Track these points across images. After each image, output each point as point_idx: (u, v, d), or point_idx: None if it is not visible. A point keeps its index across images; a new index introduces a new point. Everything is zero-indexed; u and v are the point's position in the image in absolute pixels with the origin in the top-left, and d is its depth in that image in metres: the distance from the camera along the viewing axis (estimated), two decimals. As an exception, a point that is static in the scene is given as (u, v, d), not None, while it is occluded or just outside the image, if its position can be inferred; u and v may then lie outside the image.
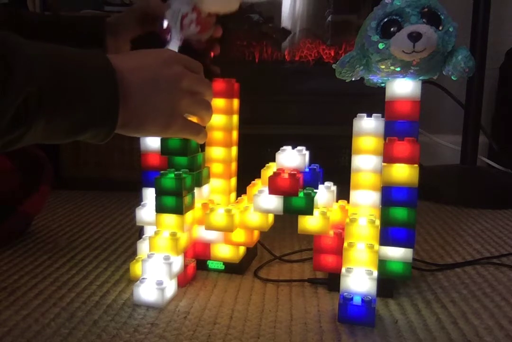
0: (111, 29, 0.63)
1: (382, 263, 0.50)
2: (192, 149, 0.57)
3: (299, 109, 1.04)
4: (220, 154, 0.61)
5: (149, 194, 0.59)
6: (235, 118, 0.62)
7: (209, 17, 0.57)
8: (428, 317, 0.49)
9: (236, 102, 0.62)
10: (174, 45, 0.56)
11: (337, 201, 0.57)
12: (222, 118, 0.60)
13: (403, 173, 0.48)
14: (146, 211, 0.57)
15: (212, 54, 0.63)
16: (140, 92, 0.44)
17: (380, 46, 0.45)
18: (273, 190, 0.51)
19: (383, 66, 0.46)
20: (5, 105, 0.36)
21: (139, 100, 0.44)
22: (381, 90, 0.51)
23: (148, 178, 0.58)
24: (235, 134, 0.63)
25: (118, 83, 0.41)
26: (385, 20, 0.45)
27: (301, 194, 0.51)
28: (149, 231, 0.59)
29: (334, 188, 0.56)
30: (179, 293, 0.54)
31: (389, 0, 0.45)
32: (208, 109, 0.52)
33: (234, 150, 0.63)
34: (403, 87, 0.48)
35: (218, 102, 0.60)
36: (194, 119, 0.51)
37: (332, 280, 0.54)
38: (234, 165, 0.64)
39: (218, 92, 0.59)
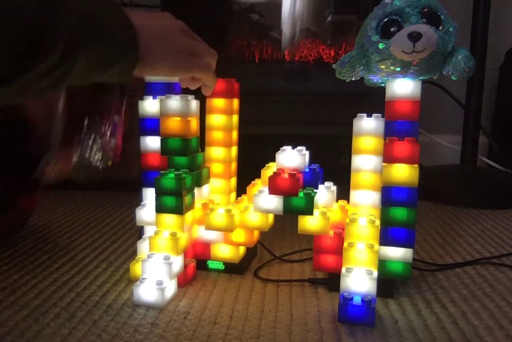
0: None
1: (382, 263, 0.50)
2: (192, 149, 0.57)
3: (299, 109, 1.04)
4: (220, 154, 0.61)
5: (149, 194, 0.59)
6: (235, 118, 0.62)
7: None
8: (428, 317, 0.49)
9: (236, 102, 0.62)
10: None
11: (337, 201, 0.57)
12: (222, 118, 0.60)
13: (403, 173, 0.48)
14: (146, 211, 0.57)
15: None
16: (151, 34, 0.48)
17: (380, 46, 0.45)
18: (273, 190, 0.51)
19: (383, 66, 0.46)
20: (57, 38, 0.38)
21: (150, 40, 0.48)
22: (381, 90, 0.51)
23: (148, 178, 0.58)
24: (235, 134, 0.63)
25: (132, 24, 0.46)
26: (385, 20, 0.45)
27: (301, 194, 0.51)
28: (149, 231, 0.59)
29: (334, 188, 0.56)
30: (179, 293, 0.54)
31: (389, 0, 0.45)
32: (211, 71, 0.54)
33: (234, 150, 0.63)
34: (403, 87, 0.48)
35: (218, 102, 0.60)
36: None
37: (332, 280, 0.54)
38: (234, 165, 0.64)
39: (218, 92, 0.59)
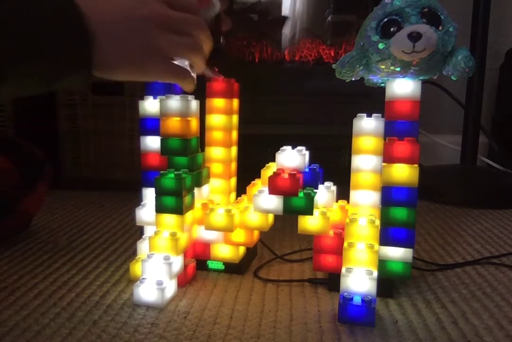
0: None
1: (382, 263, 0.50)
2: (192, 149, 0.57)
3: (299, 109, 1.04)
4: (220, 155, 0.61)
5: (149, 194, 0.59)
6: (235, 118, 0.62)
7: None
8: (428, 317, 0.49)
9: (235, 102, 0.62)
10: None
11: (337, 201, 0.57)
12: (221, 118, 0.60)
13: (403, 173, 0.48)
14: (146, 211, 0.57)
15: (222, 31, 0.58)
16: (112, 32, 0.41)
17: (380, 46, 0.45)
18: (273, 190, 0.51)
19: (383, 66, 0.46)
20: None
21: (110, 41, 0.41)
22: (381, 90, 0.51)
23: (148, 178, 0.58)
24: (235, 134, 0.63)
25: (85, 25, 0.39)
26: (385, 20, 0.45)
27: (301, 194, 0.51)
28: (149, 231, 0.59)
29: (334, 188, 0.56)
30: (179, 293, 0.54)
31: (389, 0, 0.45)
32: (197, 51, 0.48)
33: (234, 150, 0.63)
34: (403, 87, 0.48)
35: (218, 102, 0.60)
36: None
37: (332, 280, 0.54)
38: (234, 166, 0.64)
39: (217, 92, 0.59)
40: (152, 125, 0.58)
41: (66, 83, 0.41)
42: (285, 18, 1.09)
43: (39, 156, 0.74)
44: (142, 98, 0.58)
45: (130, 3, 0.43)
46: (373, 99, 0.58)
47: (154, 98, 0.58)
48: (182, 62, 0.52)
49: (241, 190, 0.63)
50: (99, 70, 0.42)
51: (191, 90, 0.51)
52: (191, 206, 0.56)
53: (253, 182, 0.61)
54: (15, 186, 0.69)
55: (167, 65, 0.46)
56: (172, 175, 0.53)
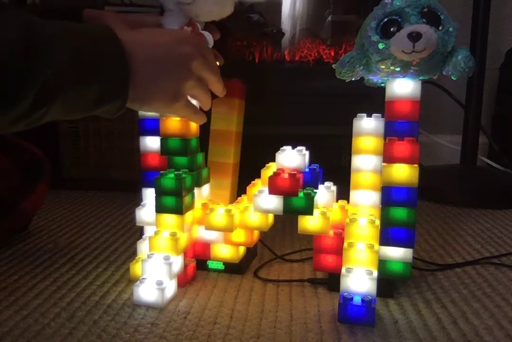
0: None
1: (382, 263, 0.50)
2: (192, 149, 0.57)
3: (299, 109, 1.04)
4: (221, 154, 0.61)
5: (149, 194, 0.59)
6: (236, 118, 0.62)
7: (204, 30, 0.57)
8: (428, 317, 0.49)
9: (237, 102, 0.62)
10: None
11: (337, 201, 0.57)
12: (222, 118, 0.60)
13: (403, 173, 0.48)
14: (146, 211, 0.57)
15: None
16: (150, 69, 0.45)
17: (380, 46, 0.45)
18: (273, 190, 0.51)
19: (383, 66, 0.46)
20: (28, 88, 0.37)
21: (148, 77, 0.45)
22: (381, 90, 0.51)
23: (148, 178, 0.58)
24: (235, 134, 0.63)
25: (128, 60, 0.42)
26: (385, 20, 0.45)
27: (301, 194, 0.51)
28: (149, 231, 0.59)
29: (334, 188, 0.56)
30: (179, 293, 0.54)
31: (389, 0, 0.45)
32: (208, 95, 0.52)
33: (234, 150, 0.63)
34: (403, 87, 0.48)
35: (218, 102, 0.60)
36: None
37: (332, 280, 0.54)
38: (233, 166, 0.63)
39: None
40: (151, 126, 0.58)
41: (103, 110, 0.44)
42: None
43: (39, 156, 0.74)
44: None
45: (170, 42, 0.47)
46: (373, 99, 0.58)
47: None
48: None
49: (241, 190, 0.63)
50: (133, 101, 0.46)
51: (201, 123, 0.55)
52: (191, 206, 0.56)
53: (253, 182, 0.61)
54: (15, 186, 0.69)
55: (188, 103, 0.51)
56: (172, 175, 0.53)
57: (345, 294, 0.47)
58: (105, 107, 0.43)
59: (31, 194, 0.71)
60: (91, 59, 0.40)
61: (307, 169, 0.53)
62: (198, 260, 0.60)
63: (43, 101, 0.38)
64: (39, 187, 0.72)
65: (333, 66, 0.48)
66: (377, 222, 0.50)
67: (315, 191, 0.52)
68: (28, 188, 0.71)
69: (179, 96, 0.49)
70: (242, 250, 0.60)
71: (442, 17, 0.44)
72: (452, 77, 0.45)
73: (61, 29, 0.39)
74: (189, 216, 0.55)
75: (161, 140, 0.56)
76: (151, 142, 0.58)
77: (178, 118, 0.55)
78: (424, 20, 0.44)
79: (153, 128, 0.58)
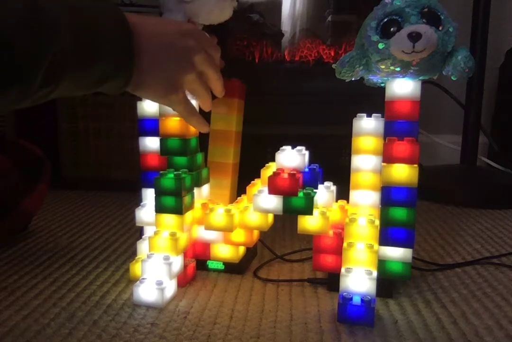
0: None
1: (382, 263, 0.50)
2: (192, 149, 0.57)
3: (299, 109, 1.04)
4: (221, 154, 0.61)
5: (149, 194, 0.59)
6: (235, 118, 0.62)
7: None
8: (428, 317, 0.49)
9: (236, 102, 0.62)
10: None
11: (336, 201, 0.57)
12: (222, 118, 0.60)
13: (403, 173, 0.48)
14: (146, 211, 0.57)
15: None
16: (152, 56, 0.45)
17: (380, 46, 0.45)
18: (272, 190, 0.51)
19: (383, 66, 0.46)
20: (37, 67, 0.37)
21: (149, 63, 0.45)
22: (381, 90, 0.51)
23: (147, 179, 0.58)
24: (235, 134, 0.63)
25: (134, 41, 0.43)
26: (385, 20, 0.45)
27: (300, 194, 0.51)
28: (149, 231, 0.59)
29: (333, 188, 0.56)
30: (179, 293, 0.54)
31: (389, 0, 0.45)
32: (207, 92, 0.53)
33: (234, 150, 0.63)
34: (403, 87, 0.48)
35: (218, 102, 0.60)
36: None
37: (332, 280, 0.54)
38: (233, 166, 0.63)
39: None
40: (150, 126, 0.58)
41: (106, 87, 0.44)
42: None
43: (39, 156, 0.74)
44: (140, 99, 0.58)
45: (175, 33, 0.48)
46: (373, 99, 0.58)
47: None
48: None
49: (241, 190, 0.63)
50: (134, 83, 0.46)
51: (206, 131, 0.56)
52: (190, 206, 0.56)
53: (252, 181, 0.61)
54: (15, 186, 0.69)
55: (186, 99, 0.51)
56: (171, 175, 0.53)
57: (345, 294, 0.47)
58: (108, 84, 0.44)
59: (31, 193, 0.71)
60: (99, 38, 0.41)
61: (307, 169, 0.53)
62: (198, 260, 0.60)
63: (51, 79, 0.39)
64: (39, 187, 0.72)
65: (333, 66, 0.48)
66: (377, 222, 0.50)
67: (314, 190, 0.52)
68: (28, 188, 0.71)
69: (177, 87, 0.49)
70: (242, 250, 0.60)
71: (442, 17, 0.44)
72: (452, 77, 0.45)
73: (68, 6, 0.39)
74: (188, 216, 0.55)
75: (161, 140, 0.56)
76: (150, 143, 0.58)
77: (178, 118, 0.55)
78: (424, 20, 0.44)
79: (152, 128, 0.58)
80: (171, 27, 0.48)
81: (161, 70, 0.47)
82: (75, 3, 0.41)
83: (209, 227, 0.56)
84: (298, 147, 0.53)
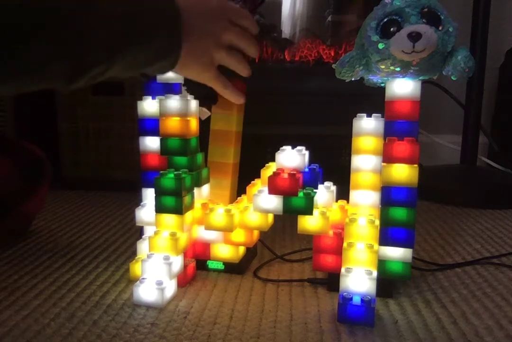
0: None
1: (382, 263, 0.50)
2: (192, 149, 0.57)
3: (299, 109, 1.04)
4: (221, 154, 0.61)
5: (149, 194, 0.59)
6: (236, 118, 0.62)
7: None
8: (428, 317, 0.49)
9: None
10: None
11: (336, 201, 0.57)
12: (222, 118, 0.60)
13: (403, 173, 0.48)
14: (146, 211, 0.57)
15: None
16: (194, 35, 0.49)
17: (380, 46, 0.45)
18: (272, 190, 0.51)
19: (383, 66, 0.46)
20: (98, 41, 0.40)
21: (192, 42, 0.49)
22: (381, 90, 0.51)
23: (147, 178, 0.58)
24: (235, 134, 0.63)
25: (183, 23, 0.47)
26: (385, 20, 0.45)
27: (300, 194, 0.51)
28: (149, 231, 0.59)
29: (333, 188, 0.56)
30: (179, 293, 0.54)
31: (389, 0, 0.45)
32: (240, 63, 0.56)
33: (234, 150, 0.63)
34: (403, 87, 0.48)
35: (218, 102, 0.60)
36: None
37: (332, 280, 0.54)
38: (233, 166, 0.63)
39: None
40: (151, 126, 0.58)
41: (156, 67, 0.48)
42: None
43: (40, 157, 0.74)
44: (141, 99, 0.58)
45: (214, 8, 0.52)
46: (373, 99, 0.58)
47: (153, 98, 0.58)
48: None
49: (241, 190, 0.63)
50: (180, 62, 0.49)
51: (242, 102, 0.59)
52: (190, 206, 0.56)
53: (252, 181, 0.61)
54: (15, 188, 0.69)
55: (219, 76, 0.55)
56: (171, 175, 0.53)
57: (345, 294, 0.47)
58: (159, 63, 0.47)
59: (32, 196, 0.71)
60: (154, 17, 0.44)
61: (307, 169, 0.53)
62: (198, 260, 0.60)
63: (110, 55, 0.42)
64: (40, 189, 0.72)
65: (333, 66, 0.48)
66: (377, 222, 0.50)
67: (314, 190, 0.52)
68: (29, 190, 0.71)
69: (211, 65, 0.53)
70: (242, 250, 0.60)
71: (442, 17, 0.44)
72: (452, 77, 0.45)
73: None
74: (189, 216, 0.55)
75: (161, 140, 0.56)
76: (150, 143, 0.58)
77: (178, 118, 0.55)
78: (424, 20, 0.44)
79: (152, 128, 0.58)
80: (208, 6, 0.51)
81: (200, 49, 0.50)
82: None
83: (209, 227, 0.56)
84: (298, 147, 0.53)
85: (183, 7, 0.47)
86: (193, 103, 0.57)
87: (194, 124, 0.57)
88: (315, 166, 0.54)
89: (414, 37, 0.42)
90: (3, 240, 0.69)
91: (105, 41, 0.41)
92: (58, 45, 0.39)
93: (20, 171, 0.70)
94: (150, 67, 0.47)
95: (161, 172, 0.54)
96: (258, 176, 0.59)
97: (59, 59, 0.39)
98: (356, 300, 0.47)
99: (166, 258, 0.52)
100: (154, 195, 0.54)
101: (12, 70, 0.38)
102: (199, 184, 0.58)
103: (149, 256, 0.52)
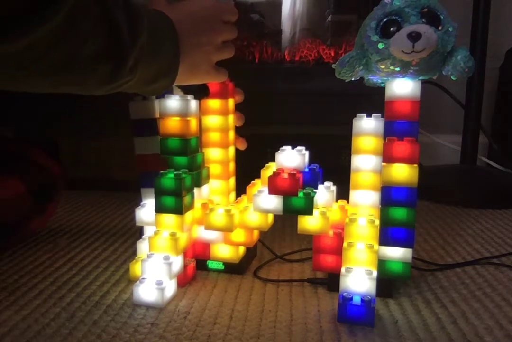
0: None
1: (382, 263, 0.50)
2: (192, 149, 0.57)
3: (299, 109, 1.04)
4: (218, 155, 0.62)
5: (149, 194, 0.59)
6: (231, 118, 0.62)
7: None
8: (428, 317, 0.49)
9: (231, 102, 0.62)
10: None
11: (336, 201, 0.57)
12: (218, 119, 0.60)
13: (403, 172, 0.48)
14: (146, 211, 0.57)
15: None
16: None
17: (380, 46, 0.45)
18: (272, 190, 0.51)
19: (382, 66, 0.46)
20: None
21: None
22: (381, 90, 0.51)
23: (146, 179, 0.58)
24: (231, 135, 0.63)
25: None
26: (385, 20, 0.45)
27: (300, 194, 0.51)
28: (149, 231, 0.59)
29: (333, 188, 0.56)
30: (179, 293, 0.54)
31: (389, 0, 0.45)
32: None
33: (231, 150, 0.63)
34: (403, 87, 0.48)
35: (213, 103, 0.60)
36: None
37: (332, 280, 0.54)
38: (232, 166, 0.64)
39: (212, 93, 0.60)
40: (144, 126, 0.58)
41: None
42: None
43: (55, 174, 0.71)
44: (132, 99, 0.58)
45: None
46: (373, 99, 0.58)
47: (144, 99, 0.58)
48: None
49: (241, 190, 0.63)
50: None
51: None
52: (190, 206, 0.56)
53: (252, 182, 0.61)
54: (26, 209, 0.67)
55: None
56: (171, 175, 0.53)
57: (345, 294, 0.47)
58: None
59: (39, 215, 0.69)
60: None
61: (306, 169, 0.53)
62: (198, 260, 0.60)
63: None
64: (49, 207, 0.70)
65: (333, 66, 0.48)
66: (377, 222, 0.50)
67: (314, 190, 0.52)
68: (39, 209, 0.69)
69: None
70: (242, 250, 0.60)
71: (442, 17, 0.44)
72: (452, 77, 0.45)
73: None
74: (188, 216, 0.55)
75: (161, 140, 0.56)
76: (146, 143, 0.58)
77: (178, 118, 0.55)
78: (424, 20, 0.44)
79: (148, 128, 0.58)
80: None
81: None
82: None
83: (209, 227, 0.56)
84: (298, 147, 0.53)
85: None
86: (193, 103, 0.57)
87: (194, 124, 0.57)
88: (315, 167, 0.54)
89: (414, 37, 0.42)
90: (4, 249, 0.68)
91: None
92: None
93: (32, 192, 0.67)
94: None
95: (161, 171, 0.54)
96: (258, 176, 0.59)
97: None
98: (356, 300, 0.47)
99: (166, 258, 0.52)
100: (154, 195, 0.54)
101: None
102: (199, 184, 0.58)
103: (149, 256, 0.52)
